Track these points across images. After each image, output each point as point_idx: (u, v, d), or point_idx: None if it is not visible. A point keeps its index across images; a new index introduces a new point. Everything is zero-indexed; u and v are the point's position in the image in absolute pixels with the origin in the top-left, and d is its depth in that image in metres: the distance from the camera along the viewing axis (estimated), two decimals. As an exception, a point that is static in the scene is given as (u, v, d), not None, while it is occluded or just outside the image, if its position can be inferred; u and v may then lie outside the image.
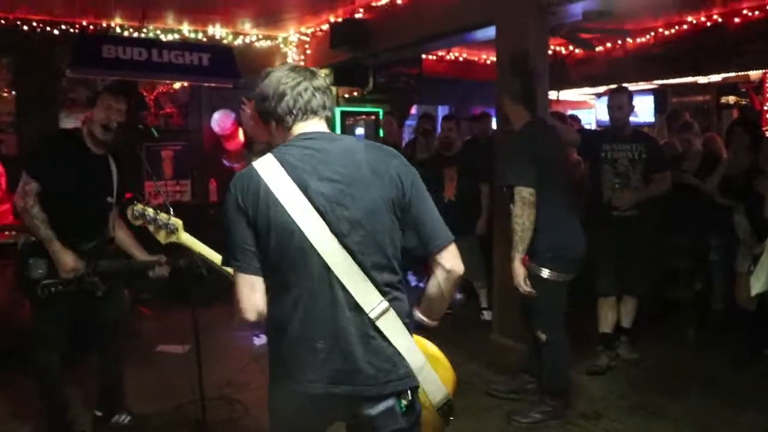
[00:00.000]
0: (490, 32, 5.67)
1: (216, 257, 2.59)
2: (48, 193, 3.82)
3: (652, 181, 5.13)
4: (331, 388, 2.05)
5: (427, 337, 2.41)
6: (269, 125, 2.24)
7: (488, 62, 10.04)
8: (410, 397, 2.12)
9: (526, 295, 4.16)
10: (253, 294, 2.11)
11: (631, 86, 6.07)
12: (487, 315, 6.47)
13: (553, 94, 8.53)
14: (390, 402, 2.09)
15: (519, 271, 4.09)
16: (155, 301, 7.08)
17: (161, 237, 2.76)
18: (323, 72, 8.49)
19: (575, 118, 8.24)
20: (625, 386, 4.97)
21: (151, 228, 2.76)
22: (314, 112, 2.19)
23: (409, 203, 2.13)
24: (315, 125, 2.20)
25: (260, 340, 5.99)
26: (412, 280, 7.62)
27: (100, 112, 3.89)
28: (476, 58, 10.14)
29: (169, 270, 4.11)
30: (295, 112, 2.17)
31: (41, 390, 4.12)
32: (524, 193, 3.96)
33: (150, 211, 2.75)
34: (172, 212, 2.78)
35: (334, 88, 8.97)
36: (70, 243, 3.86)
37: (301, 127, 2.19)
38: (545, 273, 4.10)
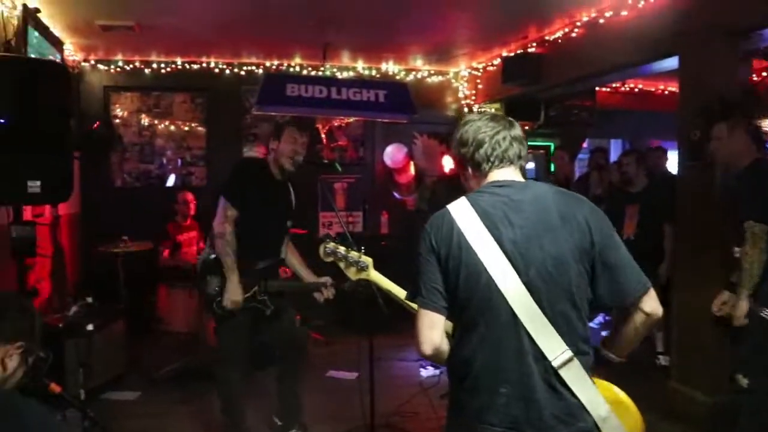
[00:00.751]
0: (670, 63, 5.49)
1: (402, 293, 2.64)
2: (241, 216, 4.09)
3: None
4: None
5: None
6: (465, 170, 2.32)
7: (666, 93, 9.67)
8: None
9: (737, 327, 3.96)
10: (432, 330, 2.16)
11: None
12: (663, 360, 6.12)
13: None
14: None
15: (744, 306, 3.91)
16: (326, 327, 7.35)
17: (351, 273, 2.84)
18: (495, 106, 8.60)
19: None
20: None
21: (341, 265, 2.84)
22: (510, 161, 2.25)
23: (600, 252, 2.11)
24: (509, 173, 2.25)
25: (427, 372, 6.06)
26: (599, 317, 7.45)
27: (287, 145, 4.14)
28: (653, 89, 9.79)
29: (334, 293, 4.23)
30: (492, 159, 2.23)
31: (224, 404, 4.40)
32: (756, 229, 3.81)
33: (341, 249, 2.84)
34: (362, 250, 2.85)
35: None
36: (249, 262, 4.11)
37: (495, 174, 2.25)
38: (766, 313, 3.85)
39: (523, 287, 2.05)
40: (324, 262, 3.01)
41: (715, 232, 4.70)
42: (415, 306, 2.24)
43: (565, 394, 2.05)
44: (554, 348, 2.04)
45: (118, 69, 7.88)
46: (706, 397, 4.73)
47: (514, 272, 2.05)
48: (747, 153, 4.06)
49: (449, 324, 2.22)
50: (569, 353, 2.05)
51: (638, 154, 6.62)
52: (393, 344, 6.44)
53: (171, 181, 8.30)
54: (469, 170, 2.30)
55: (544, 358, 2.04)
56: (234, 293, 4.04)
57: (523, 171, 2.31)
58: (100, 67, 7.85)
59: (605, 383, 2.24)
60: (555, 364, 2.03)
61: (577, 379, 2.06)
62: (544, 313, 2.05)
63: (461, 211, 2.15)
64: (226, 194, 4.14)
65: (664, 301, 5.68)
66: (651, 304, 2.16)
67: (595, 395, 2.09)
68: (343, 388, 5.65)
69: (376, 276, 2.80)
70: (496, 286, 2.05)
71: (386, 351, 6.30)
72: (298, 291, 4.47)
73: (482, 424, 2.08)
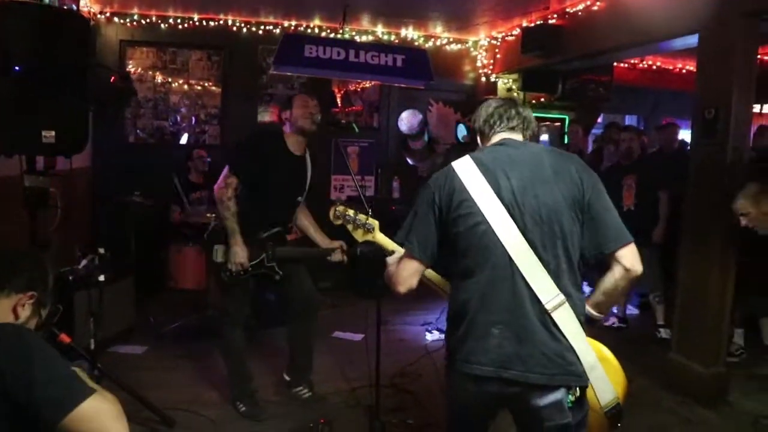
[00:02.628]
0: (689, 40, 5.43)
1: None
2: (246, 187, 4.13)
3: None
4: (501, 372, 2.17)
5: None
6: (476, 139, 2.62)
7: (684, 71, 9.57)
8: (578, 394, 2.20)
9: None
10: (413, 276, 2.42)
11: None
12: (663, 333, 6.22)
13: (756, 107, 8.00)
14: (558, 395, 2.17)
15: None
16: (332, 290, 7.38)
17: (358, 235, 2.92)
18: (513, 77, 8.52)
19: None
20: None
21: (349, 227, 2.93)
22: (511, 127, 2.51)
23: (589, 203, 2.29)
24: (509, 135, 2.50)
25: (432, 336, 6.11)
26: (586, 290, 7.45)
27: (299, 109, 4.21)
28: (671, 67, 9.69)
29: (346, 259, 4.39)
30: (492, 123, 2.52)
31: (227, 361, 4.50)
32: None
33: (350, 212, 2.93)
34: (370, 213, 2.94)
35: (521, 93, 8.90)
36: (252, 230, 4.17)
37: (497, 137, 2.51)
38: None
39: (519, 234, 2.21)
40: (336, 227, 3.09)
41: (721, 211, 4.72)
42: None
43: (559, 336, 2.18)
44: (548, 291, 2.19)
45: (134, 23, 7.80)
46: (703, 369, 4.86)
47: (512, 220, 2.22)
48: None
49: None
50: (561, 297, 2.19)
51: (636, 130, 7.01)
52: (399, 308, 6.49)
53: (184, 139, 8.28)
54: (479, 139, 2.60)
55: (539, 301, 2.18)
56: (238, 255, 4.10)
57: (528, 138, 2.55)
58: (116, 20, 7.77)
59: (593, 341, 2.32)
60: (548, 306, 2.18)
61: (568, 322, 2.20)
62: (539, 258, 2.21)
63: (464, 166, 2.35)
64: (230, 162, 4.18)
65: (668, 274, 5.82)
66: (631, 259, 2.29)
67: (585, 343, 2.23)
68: (348, 349, 5.72)
69: (381, 237, 2.88)
70: (494, 233, 2.22)
71: (392, 315, 6.35)
72: (307, 257, 4.51)
73: (472, 365, 2.22)
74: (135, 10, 7.71)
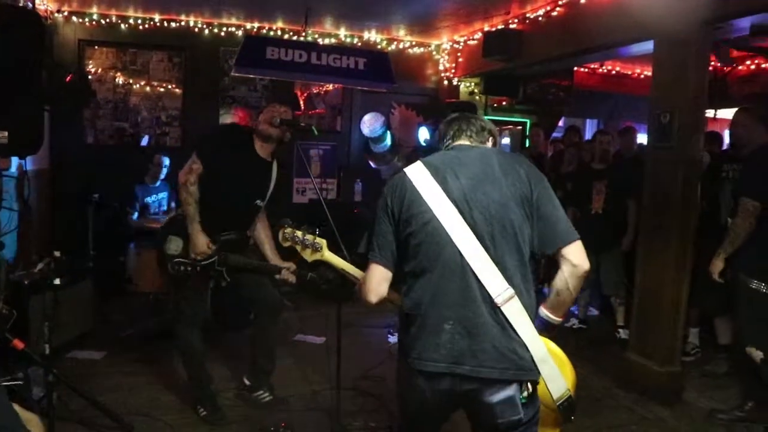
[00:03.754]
0: (646, 46, 5.52)
1: (356, 272, 2.82)
2: (206, 180, 4.08)
3: None
4: (454, 368, 2.21)
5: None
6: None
7: (642, 76, 9.72)
8: (531, 390, 2.24)
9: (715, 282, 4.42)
10: (381, 284, 2.43)
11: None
12: (623, 333, 6.30)
13: (709, 113, 8.15)
14: (510, 391, 2.21)
15: (719, 264, 4.39)
16: (294, 293, 7.34)
17: (307, 255, 2.94)
18: (474, 80, 8.58)
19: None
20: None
21: (298, 248, 2.95)
22: (466, 135, 2.56)
23: (537, 201, 2.32)
24: (462, 142, 2.56)
25: (394, 338, 6.11)
26: (545, 291, 7.53)
27: (265, 114, 4.20)
28: (629, 72, 9.84)
29: (296, 280, 4.35)
30: (449, 135, 2.59)
31: (186, 363, 4.44)
32: (748, 205, 4.22)
33: (299, 233, 2.95)
34: (317, 232, 2.98)
35: (482, 97, 8.97)
36: (208, 229, 4.11)
37: (452, 145, 2.57)
38: (754, 284, 4.19)
39: (469, 230, 2.26)
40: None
41: (676, 213, 4.84)
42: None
43: (509, 330, 2.23)
44: (498, 286, 2.23)
45: (93, 22, 7.69)
46: (658, 368, 4.97)
47: (461, 217, 2.27)
48: (756, 136, 4.56)
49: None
50: (511, 291, 2.23)
51: (611, 135, 6.99)
52: (361, 311, 6.46)
53: (145, 141, 8.18)
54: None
55: (489, 295, 2.22)
56: (198, 243, 4.06)
57: (483, 143, 2.59)
58: (74, 19, 7.65)
59: (543, 338, 2.34)
60: (498, 300, 2.22)
61: (518, 316, 2.24)
62: (489, 254, 2.25)
63: (415, 170, 2.41)
64: (197, 148, 4.16)
65: (629, 278, 5.86)
66: (578, 255, 2.32)
67: (535, 336, 2.27)
68: (310, 353, 5.68)
69: (329, 256, 2.92)
70: (444, 230, 2.27)
71: (355, 318, 6.33)
72: (257, 270, 4.44)
73: (425, 362, 2.25)
74: (94, 10, 7.61)
